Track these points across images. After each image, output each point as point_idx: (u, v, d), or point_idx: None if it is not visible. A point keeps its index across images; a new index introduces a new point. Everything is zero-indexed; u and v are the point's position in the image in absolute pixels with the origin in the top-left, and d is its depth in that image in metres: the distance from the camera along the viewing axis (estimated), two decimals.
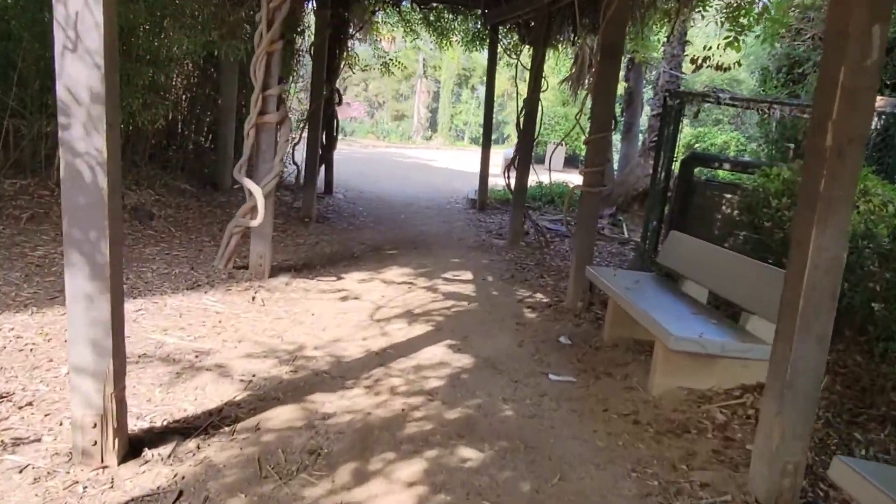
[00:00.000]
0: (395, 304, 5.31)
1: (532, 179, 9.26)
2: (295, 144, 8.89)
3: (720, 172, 9.26)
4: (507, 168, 9.00)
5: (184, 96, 8.93)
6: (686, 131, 21.43)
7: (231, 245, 5.34)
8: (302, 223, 8.22)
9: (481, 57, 45.53)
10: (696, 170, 7.68)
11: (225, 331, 4.17)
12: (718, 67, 6.11)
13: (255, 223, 5.15)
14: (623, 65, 12.21)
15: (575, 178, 20.01)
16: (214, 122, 9.01)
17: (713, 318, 4.07)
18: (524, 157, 8.59)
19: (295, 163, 8.86)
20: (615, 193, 12.01)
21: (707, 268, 4.67)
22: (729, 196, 7.51)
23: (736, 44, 5.01)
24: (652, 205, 7.55)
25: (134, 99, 5.99)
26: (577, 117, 6.25)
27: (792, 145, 7.59)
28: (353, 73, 10.85)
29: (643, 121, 13.47)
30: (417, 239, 8.37)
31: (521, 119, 8.57)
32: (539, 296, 6.13)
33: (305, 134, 9.25)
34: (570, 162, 28.38)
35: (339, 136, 33.37)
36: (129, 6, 5.80)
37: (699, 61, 5.83)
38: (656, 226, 7.51)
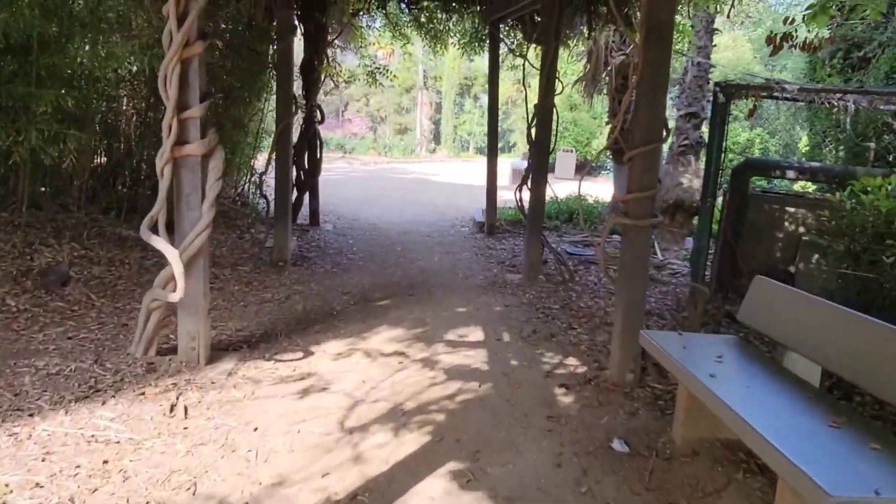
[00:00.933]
0: (377, 394, 3.85)
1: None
2: (262, 174, 7.46)
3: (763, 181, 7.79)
4: (519, 187, 7.55)
5: (134, 122, 7.55)
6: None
7: (150, 326, 3.91)
8: (275, 268, 6.79)
9: (482, 64, 44.31)
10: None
11: (106, 482, 2.72)
12: (806, 47, 4.64)
13: (174, 297, 3.72)
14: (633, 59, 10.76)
15: (590, 188, 18.47)
16: None
17: (869, 435, 2.56)
18: (538, 173, 7.14)
19: (264, 195, 7.46)
20: None
21: (819, 334, 3.17)
22: (793, 211, 6.04)
23: (822, 16, 3.60)
24: (703, 227, 6.07)
25: (28, 131, 4.59)
26: (617, 124, 4.77)
27: (871, 145, 6.09)
28: (337, 85, 9.44)
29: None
30: (415, 280, 6.92)
31: (533, 128, 7.13)
32: (572, 361, 4.65)
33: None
34: (582, 169, 26.89)
35: (340, 154, 31.52)
36: (13, 9, 4.42)
37: (777, 41, 4.40)
38: (714, 252, 6.03)
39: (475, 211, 12.02)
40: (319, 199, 9.99)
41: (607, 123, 10.87)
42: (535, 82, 8.36)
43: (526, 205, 7.31)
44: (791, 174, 6.27)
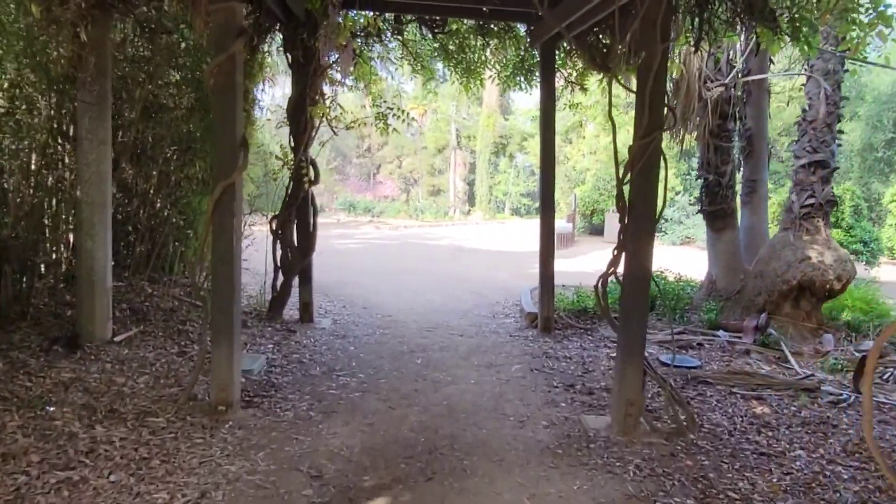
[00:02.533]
0: None
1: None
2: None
3: None
4: (608, 274, 4.82)
5: (23, 184, 5.18)
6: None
7: None
8: (211, 416, 4.17)
9: (518, 122, 42.45)
10: None
11: None
12: None
13: None
14: (733, 91, 8.16)
15: (660, 258, 15.86)
16: (77, 222, 5.18)
17: None
18: (639, 244, 4.41)
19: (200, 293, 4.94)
20: (749, 288, 7.69)
21: None
22: None
23: None
24: None
25: None
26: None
27: None
28: (335, 133, 7.01)
29: (766, 172, 9.17)
30: (440, 434, 4.22)
31: (630, 180, 4.48)
32: None
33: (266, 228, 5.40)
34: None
35: (368, 218, 29.06)
36: None
37: None
38: None
39: (521, 294, 9.31)
40: (313, 283, 7.43)
41: (698, 178, 8.18)
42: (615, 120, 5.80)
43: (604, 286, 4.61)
44: None
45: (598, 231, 24.69)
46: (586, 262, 16.16)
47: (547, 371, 5.81)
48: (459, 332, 7.30)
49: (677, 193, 23.78)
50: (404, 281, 11.46)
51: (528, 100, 56.24)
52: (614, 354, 6.38)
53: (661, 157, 4.39)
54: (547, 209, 7.38)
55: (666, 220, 23.84)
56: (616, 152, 4.59)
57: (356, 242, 20.27)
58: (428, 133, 47.44)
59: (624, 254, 4.41)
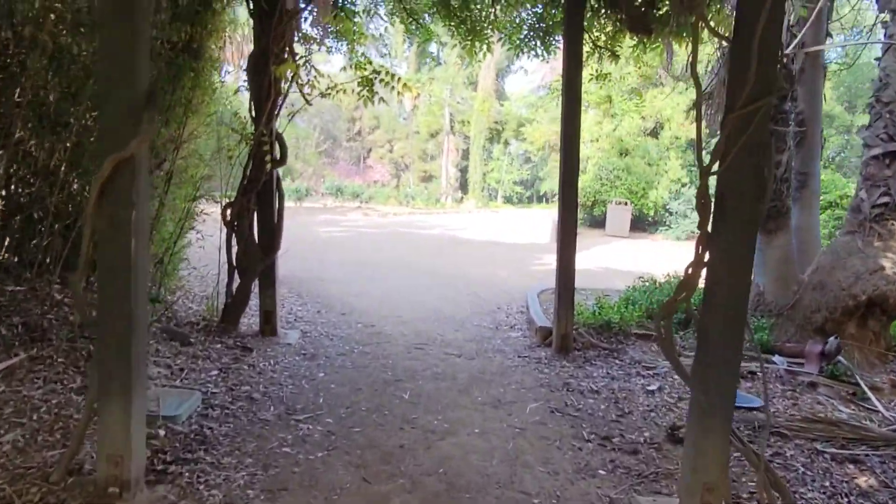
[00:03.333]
0: None
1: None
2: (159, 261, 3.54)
3: None
4: (672, 302, 3.45)
5: None
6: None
7: None
8: (99, 501, 2.80)
9: (513, 107, 40.91)
10: None
11: None
12: None
13: None
14: (793, 65, 6.80)
15: (661, 253, 14.48)
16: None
17: None
18: (733, 269, 3.04)
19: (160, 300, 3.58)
20: (805, 303, 6.37)
21: None
22: None
23: None
24: None
25: None
26: None
27: None
28: (309, 101, 5.59)
29: (819, 164, 7.80)
30: None
31: (720, 168, 3.10)
32: None
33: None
34: (637, 225, 22.78)
35: (356, 204, 27.45)
36: None
37: None
38: None
39: (528, 298, 7.95)
40: (282, 282, 6.06)
41: None
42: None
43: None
44: None
45: (598, 223, 23.36)
46: (590, 258, 14.83)
47: (572, 414, 4.47)
48: (457, 351, 5.94)
49: (684, 185, 22.49)
50: (392, 278, 10.09)
51: (524, 84, 54.69)
52: (652, 387, 5.08)
53: (770, 136, 3.01)
54: (568, 199, 6.00)
55: (670, 213, 22.57)
56: (700, 122, 3.21)
57: (342, 230, 18.84)
58: (420, 117, 45.84)
59: (706, 272, 3.05)
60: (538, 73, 51.78)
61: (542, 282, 10.49)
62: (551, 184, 30.55)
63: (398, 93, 5.82)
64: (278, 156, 5.65)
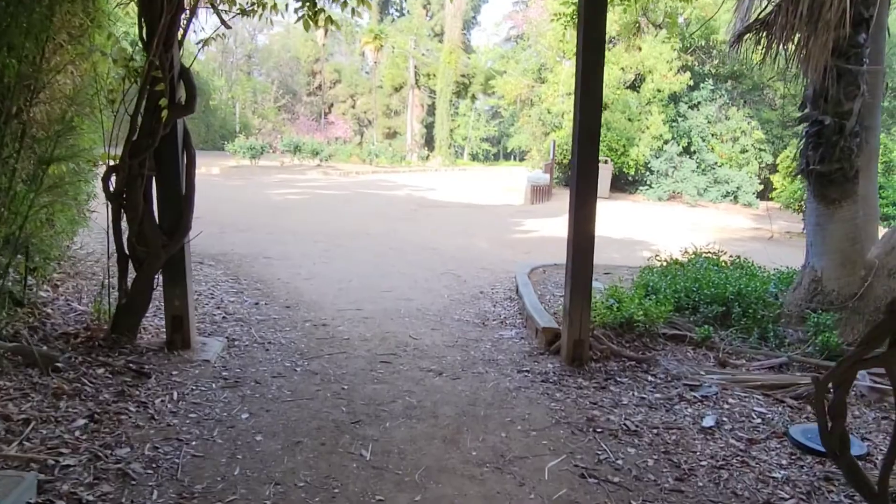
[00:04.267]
0: None
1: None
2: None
3: None
4: (856, 364, 1.99)
5: None
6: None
7: None
8: None
9: (480, 61, 38.92)
10: None
11: None
12: None
13: None
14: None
15: (656, 220, 13.22)
16: None
17: None
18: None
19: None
20: (878, 291, 5.02)
21: None
22: None
23: None
24: None
25: None
26: None
27: None
28: (225, 23, 3.90)
29: (879, 116, 6.33)
30: None
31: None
32: None
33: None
34: (615, 184, 21.41)
35: (315, 162, 25.42)
36: None
37: None
38: None
39: (519, 282, 6.49)
40: (190, 281, 4.51)
41: (803, 120, 5.37)
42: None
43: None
44: None
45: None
46: None
47: (610, 479, 3.05)
48: (436, 365, 4.46)
49: (666, 142, 21.17)
50: (352, 253, 8.54)
51: (491, 37, 52.45)
52: (707, 423, 3.69)
53: None
54: (586, 158, 4.44)
55: (651, 172, 21.29)
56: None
57: (298, 192, 17.07)
58: (384, 70, 43.53)
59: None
60: (504, 25, 49.77)
61: (530, 256, 9.07)
62: (520, 140, 28.97)
63: (353, 10, 4.17)
64: (184, 99, 3.99)
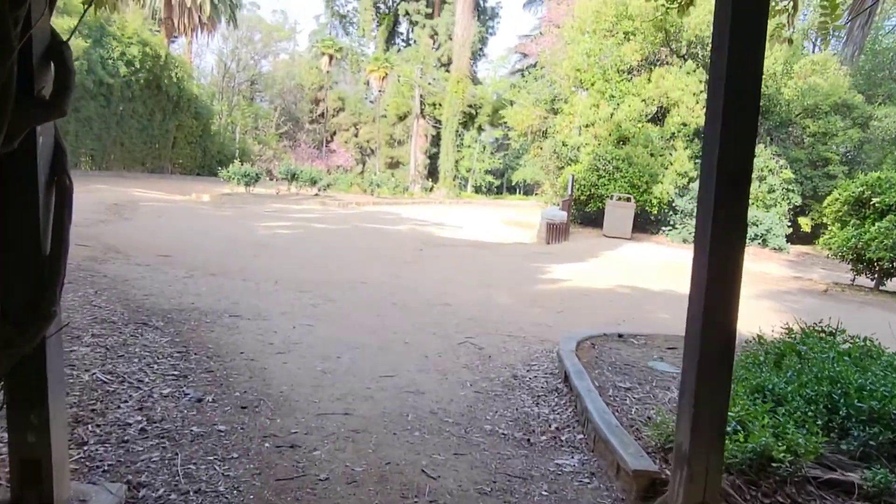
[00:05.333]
0: None
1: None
2: None
3: None
4: None
5: None
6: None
7: None
8: None
9: (486, 91, 37.64)
10: None
11: None
12: None
13: None
14: None
15: (672, 259, 11.40)
16: None
17: None
18: None
19: None
20: None
21: None
22: None
23: None
24: None
25: None
26: None
27: None
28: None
29: None
30: None
31: None
32: None
33: None
34: (639, 224, 19.73)
35: (315, 191, 23.43)
36: None
37: None
38: None
39: (574, 378, 4.72)
40: (56, 405, 2.78)
41: None
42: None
43: None
44: None
45: (591, 221, 20.29)
46: (602, 271, 11.71)
47: None
48: None
49: (691, 180, 19.57)
50: (345, 311, 6.80)
51: (499, 69, 51.44)
52: None
53: None
54: (728, 214, 2.70)
55: (675, 212, 19.65)
56: None
57: (289, 226, 15.36)
58: (388, 98, 42.29)
59: None
60: (511, 58, 48.69)
61: (564, 316, 7.34)
62: (526, 173, 27.31)
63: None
64: (48, 91, 2.29)
